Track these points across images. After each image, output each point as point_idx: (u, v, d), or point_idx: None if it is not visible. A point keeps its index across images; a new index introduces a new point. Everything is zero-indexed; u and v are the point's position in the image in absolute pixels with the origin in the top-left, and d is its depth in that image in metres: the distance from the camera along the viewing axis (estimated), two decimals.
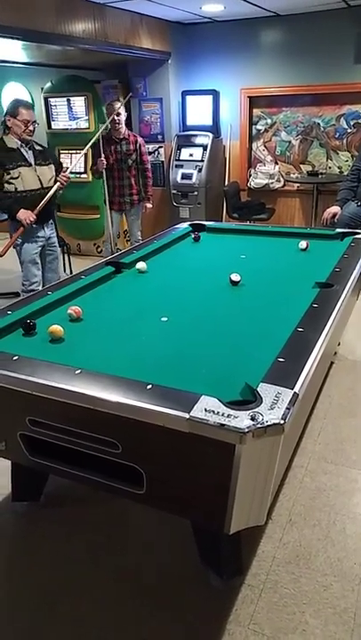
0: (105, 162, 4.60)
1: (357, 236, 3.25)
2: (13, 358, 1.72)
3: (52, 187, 3.78)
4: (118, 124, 4.65)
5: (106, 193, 4.81)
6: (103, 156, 4.62)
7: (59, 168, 3.96)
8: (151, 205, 5.06)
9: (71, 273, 5.02)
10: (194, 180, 5.66)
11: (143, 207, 5.03)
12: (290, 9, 5.02)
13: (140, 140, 4.87)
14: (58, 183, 3.82)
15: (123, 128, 4.71)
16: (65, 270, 5.48)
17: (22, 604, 1.89)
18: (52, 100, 5.96)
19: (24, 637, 1.77)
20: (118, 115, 4.61)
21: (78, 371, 1.61)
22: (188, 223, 3.78)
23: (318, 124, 5.63)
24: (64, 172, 3.90)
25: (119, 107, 4.61)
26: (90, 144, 4.38)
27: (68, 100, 5.78)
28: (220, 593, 1.88)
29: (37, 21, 3.81)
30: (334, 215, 4.51)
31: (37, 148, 3.79)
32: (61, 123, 5.97)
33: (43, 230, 3.84)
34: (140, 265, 2.84)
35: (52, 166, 3.87)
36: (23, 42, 3.98)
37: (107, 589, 1.93)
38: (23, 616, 1.85)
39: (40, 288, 3.89)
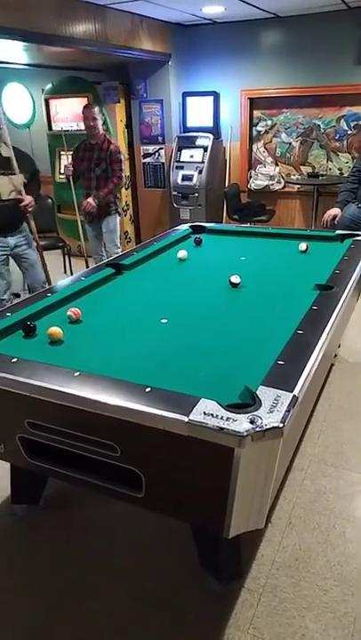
0: (71, 168, 4.41)
1: (357, 238, 3.25)
2: (12, 360, 1.71)
3: (12, 198, 3.59)
4: (94, 128, 4.40)
5: (75, 201, 4.64)
6: (71, 161, 4.47)
7: (33, 179, 3.78)
8: (94, 204, 4.46)
9: (71, 274, 5.01)
10: (194, 181, 5.66)
11: (104, 218, 4.63)
12: (290, 10, 5.02)
13: (112, 147, 4.49)
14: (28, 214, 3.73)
15: (99, 133, 4.46)
16: (65, 272, 5.49)
17: (22, 607, 1.89)
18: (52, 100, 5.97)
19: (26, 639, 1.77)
20: (95, 119, 4.37)
21: (77, 373, 1.60)
22: (189, 225, 3.77)
23: (318, 125, 5.63)
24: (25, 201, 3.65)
25: (97, 110, 4.44)
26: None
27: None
28: (219, 597, 1.88)
29: (38, 23, 3.81)
30: (334, 217, 4.50)
31: (4, 155, 3.54)
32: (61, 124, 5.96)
33: (6, 240, 3.69)
34: (182, 253, 3.03)
35: (20, 176, 3.62)
36: (24, 43, 3.98)
37: (106, 593, 1.92)
38: (23, 618, 1.84)
39: (6, 297, 3.82)
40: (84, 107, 4.55)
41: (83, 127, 5.61)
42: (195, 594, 1.89)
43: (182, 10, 4.79)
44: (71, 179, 4.59)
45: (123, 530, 2.22)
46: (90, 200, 4.47)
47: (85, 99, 5.67)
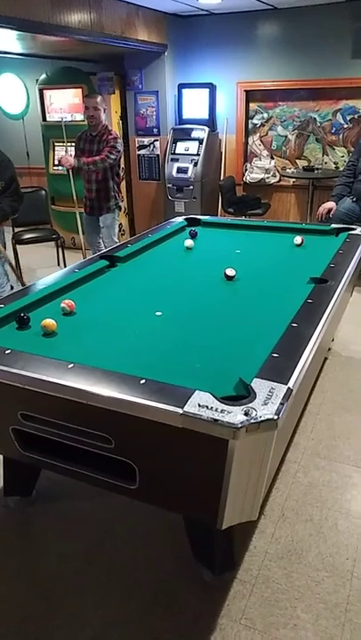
0: (70, 159, 4.27)
1: (352, 232, 3.25)
2: (5, 352, 1.70)
3: None
4: (94, 119, 4.27)
5: (74, 192, 4.58)
6: (71, 153, 4.37)
7: (9, 188, 3.68)
8: (72, 162, 4.22)
9: (65, 266, 4.99)
10: (189, 174, 5.63)
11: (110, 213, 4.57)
12: (287, 2, 4.98)
13: (110, 137, 4.32)
14: None
15: (100, 124, 4.33)
16: (58, 264, 5.47)
17: (15, 600, 1.89)
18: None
19: (20, 633, 1.77)
20: (96, 109, 4.23)
21: (71, 365, 1.60)
22: (183, 217, 3.76)
23: (315, 118, 5.61)
24: None
25: (99, 100, 4.28)
26: None
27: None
28: (211, 588, 1.88)
29: (32, 11, 3.75)
30: (330, 211, 4.51)
31: None
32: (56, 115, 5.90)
33: None
34: (188, 242, 3.12)
35: None
36: (18, 32, 3.93)
37: (99, 585, 1.92)
38: (17, 611, 1.84)
39: None
40: (85, 95, 4.41)
41: (78, 118, 5.65)
42: (187, 584, 1.90)
43: (179, 0, 4.75)
44: (70, 170, 4.52)
45: (115, 522, 2.22)
46: (70, 158, 4.25)
47: (80, 89, 5.61)
